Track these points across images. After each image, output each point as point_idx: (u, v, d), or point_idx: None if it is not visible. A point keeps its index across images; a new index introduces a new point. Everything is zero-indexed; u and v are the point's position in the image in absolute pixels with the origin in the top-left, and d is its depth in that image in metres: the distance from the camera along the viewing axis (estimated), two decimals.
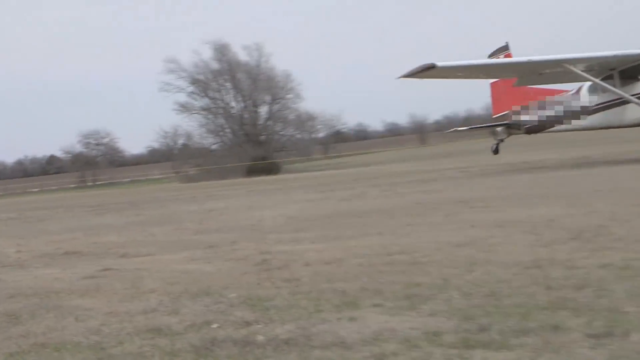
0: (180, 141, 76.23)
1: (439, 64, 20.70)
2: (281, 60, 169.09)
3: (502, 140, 27.20)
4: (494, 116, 28.17)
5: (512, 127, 26.34)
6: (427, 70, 20.81)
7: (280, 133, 70.28)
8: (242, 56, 67.89)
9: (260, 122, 69.18)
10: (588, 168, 22.15)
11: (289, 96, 68.01)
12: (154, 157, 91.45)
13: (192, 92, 68.67)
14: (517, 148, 37.42)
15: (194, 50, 70.21)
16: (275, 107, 68.73)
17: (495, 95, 27.90)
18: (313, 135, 73.54)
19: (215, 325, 5.50)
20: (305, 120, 70.11)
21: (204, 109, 68.96)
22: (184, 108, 68.49)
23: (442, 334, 4.58)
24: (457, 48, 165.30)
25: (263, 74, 67.76)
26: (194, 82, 68.16)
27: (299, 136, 70.82)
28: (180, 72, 67.51)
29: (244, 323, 5.49)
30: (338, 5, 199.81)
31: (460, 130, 37.89)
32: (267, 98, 68.48)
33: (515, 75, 23.63)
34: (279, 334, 5.00)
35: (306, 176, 45.37)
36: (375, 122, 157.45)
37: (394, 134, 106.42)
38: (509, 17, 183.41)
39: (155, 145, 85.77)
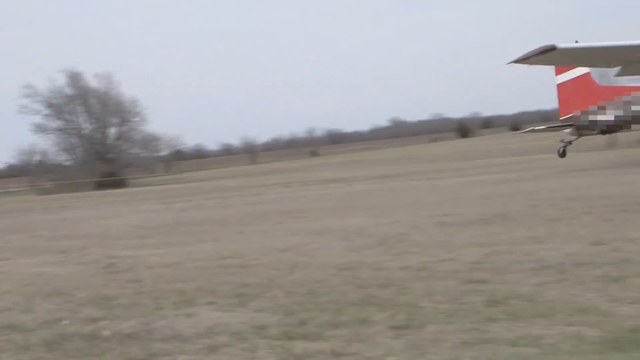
0: (37, 158, 79.63)
1: (561, 45, 17.98)
2: (133, 86, 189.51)
3: (570, 143, 24.85)
4: (562, 118, 25.83)
5: (586, 128, 24.00)
6: (545, 53, 18.01)
7: (128, 151, 75.49)
8: (94, 83, 73.85)
9: (110, 141, 74.78)
10: (393, 183, 24.95)
11: (135, 119, 74.03)
12: (12, 172, 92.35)
13: (48, 115, 73.28)
14: (334, 167, 40.95)
15: (50, 77, 76.35)
16: (123, 128, 74.82)
17: (563, 96, 25.49)
18: (157, 154, 79.22)
19: (65, 322, 5.83)
20: (150, 141, 75.98)
21: (58, 130, 74.07)
22: (40, 128, 73.15)
23: (267, 328, 5.08)
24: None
25: (112, 99, 74.13)
26: (50, 105, 73.11)
27: (144, 154, 76.37)
28: (37, 97, 72.16)
29: (91, 320, 5.83)
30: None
31: (537, 130, 31.59)
32: (116, 120, 74.73)
33: None
34: (123, 329, 5.39)
35: (150, 190, 46.59)
36: (211, 143, 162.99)
37: (228, 153, 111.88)
38: None
39: (14, 161, 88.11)
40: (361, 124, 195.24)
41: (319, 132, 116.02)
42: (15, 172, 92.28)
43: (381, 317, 5.08)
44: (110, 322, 5.66)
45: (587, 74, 23.77)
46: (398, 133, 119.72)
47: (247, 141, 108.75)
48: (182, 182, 53.50)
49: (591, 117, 23.32)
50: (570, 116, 24.48)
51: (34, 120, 73.11)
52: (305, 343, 4.62)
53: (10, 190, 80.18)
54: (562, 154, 24.91)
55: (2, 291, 7.79)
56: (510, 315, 4.88)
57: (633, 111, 21.63)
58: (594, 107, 23.05)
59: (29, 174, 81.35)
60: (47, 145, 75.19)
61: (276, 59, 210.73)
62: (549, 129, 28.94)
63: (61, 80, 73.50)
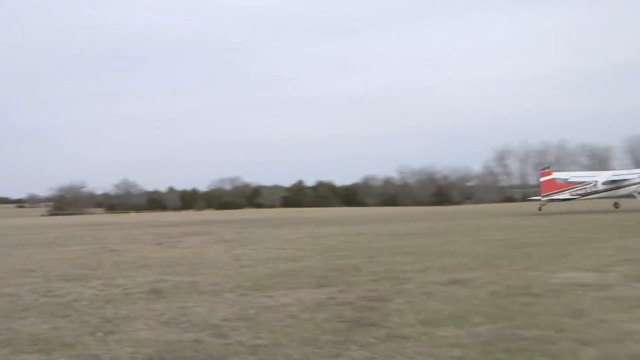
0: None
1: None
2: None
3: (544, 205, 44.63)
4: (542, 194, 44.50)
5: (551, 201, 44.57)
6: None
7: None
8: None
9: None
10: None
11: None
12: None
13: None
14: None
15: None
16: None
17: (544, 186, 44.54)
18: None
19: None
20: None
21: None
22: None
23: None
24: None
25: None
26: None
27: None
28: None
29: None
30: None
31: (533, 199, 49.43)
32: None
33: None
34: None
35: None
36: None
37: None
38: None
39: None
40: None
41: None
42: None
43: None
44: None
45: (554, 178, 45.55)
46: None
47: None
48: None
49: (554, 197, 44.66)
50: (547, 194, 44.37)
51: None
52: None
53: None
54: (540, 210, 44.52)
55: None
56: None
57: (570, 196, 44.56)
58: (556, 192, 44.62)
59: None
60: None
61: None
62: (538, 200, 46.30)
63: None
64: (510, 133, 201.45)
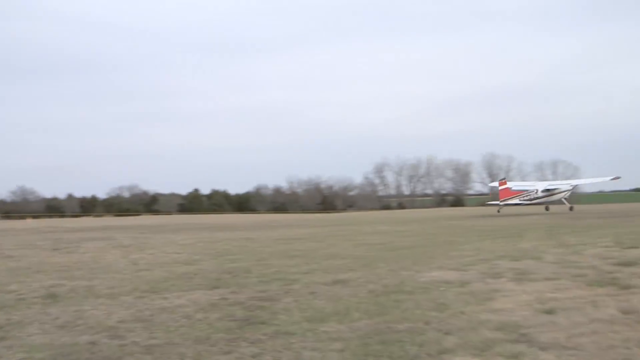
0: None
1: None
2: None
3: (501, 208, 49.31)
4: (501, 199, 49.09)
5: (505, 205, 48.98)
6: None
7: None
8: None
9: None
10: None
11: None
12: None
13: None
14: None
15: None
16: None
17: (501, 192, 49.23)
18: None
19: None
20: None
21: None
22: None
23: None
24: None
25: None
26: None
27: None
28: None
29: None
30: None
31: (492, 204, 53.14)
32: None
33: None
34: None
35: None
36: None
37: None
38: None
39: None
40: None
41: None
42: None
43: None
44: None
45: (508, 187, 50.20)
46: None
47: None
48: None
49: (508, 202, 49.16)
50: (503, 200, 48.94)
51: None
52: None
53: None
54: (498, 212, 48.95)
55: None
56: None
57: (519, 201, 49.41)
58: (510, 197, 49.25)
59: None
60: None
61: None
62: (496, 204, 50.49)
63: None
64: (387, 148, 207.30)
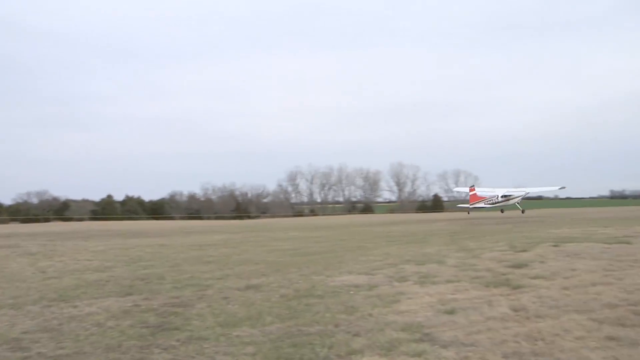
0: None
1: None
2: None
3: (470, 211, 55.16)
4: (471, 202, 54.50)
5: (475, 208, 54.58)
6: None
7: None
8: None
9: None
10: None
11: None
12: None
13: None
14: None
15: None
16: None
17: (471, 197, 54.66)
18: None
19: None
20: None
21: None
22: None
23: None
24: None
25: None
26: None
27: None
28: None
29: None
30: None
31: (463, 207, 60.08)
32: None
33: None
34: None
35: None
36: None
37: None
38: None
39: None
40: None
41: None
42: None
43: None
44: None
45: (475, 192, 55.04)
46: None
47: None
48: None
49: (476, 205, 54.32)
50: (473, 203, 54.12)
51: None
52: None
53: None
54: (468, 213, 54.99)
55: None
56: None
57: (484, 205, 54.06)
58: (477, 202, 54.19)
59: None
60: None
61: None
62: (467, 208, 56.31)
63: None
64: (300, 156, 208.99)
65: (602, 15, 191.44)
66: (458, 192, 68.37)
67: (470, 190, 55.77)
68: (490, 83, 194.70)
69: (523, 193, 55.68)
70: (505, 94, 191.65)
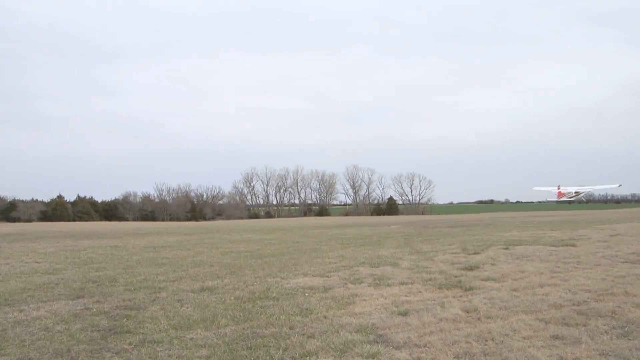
0: None
1: None
2: None
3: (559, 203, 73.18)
4: (559, 197, 66.39)
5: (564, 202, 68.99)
6: None
7: None
8: None
9: None
10: None
11: None
12: None
13: None
14: None
15: None
16: None
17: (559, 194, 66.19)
18: None
19: None
20: None
21: None
22: None
23: None
24: None
25: None
26: None
27: None
28: None
29: None
30: None
31: (560, 201, 73.32)
32: None
33: None
34: None
35: None
36: None
37: None
38: None
39: None
40: None
41: None
42: None
43: None
44: None
45: (560, 190, 68.89)
46: None
47: None
48: None
49: (563, 199, 68.71)
50: (561, 197, 67.80)
51: None
52: None
53: None
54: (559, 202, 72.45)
55: None
56: None
57: (567, 199, 74.23)
58: (562, 197, 71.11)
59: None
60: None
61: None
62: (559, 201, 68.95)
63: None
64: (256, 158, 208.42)
65: (548, 29, 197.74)
66: (538, 190, 78.79)
67: (558, 189, 69.41)
68: (442, 90, 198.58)
69: (588, 189, 71.13)
70: (457, 100, 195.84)
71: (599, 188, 76.23)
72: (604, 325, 7.41)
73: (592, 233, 25.12)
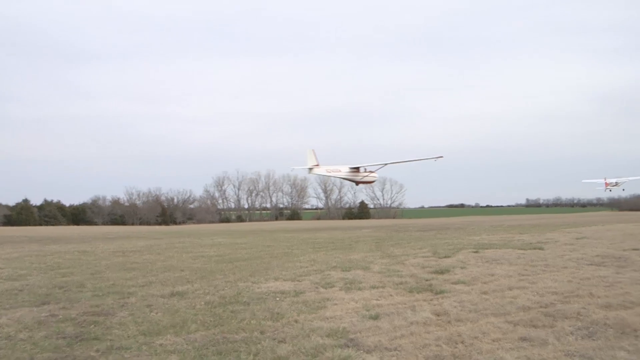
0: None
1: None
2: None
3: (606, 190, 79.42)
4: (606, 187, 77.29)
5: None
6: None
7: None
8: None
9: None
10: None
11: None
12: None
13: None
14: None
15: None
16: None
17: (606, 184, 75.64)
18: None
19: None
20: None
21: None
22: None
23: None
24: None
25: None
26: None
27: None
28: None
29: None
30: None
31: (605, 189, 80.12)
32: None
33: None
34: None
35: None
36: None
37: None
38: None
39: None
40: None
41: None
42: None
43: None
44: None
45: (606, 180, 77.28)
46: None
47: None
48: None
49: (608, 188, 76.80)
50: (607, 187, 78.35)
51: None
52: None
53: None
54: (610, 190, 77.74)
55: None
56: None
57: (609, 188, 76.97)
58: (607, 187, 78.18)
59: None
60: None
61: None
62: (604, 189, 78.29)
63: None
64: (227, 162, 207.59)
65: (517, 36, 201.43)
66: (587, 182, 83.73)
67: (605, 179, 77.22)
68: (414, 94, 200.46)
69: (624, 180, 77.82)
70: (430, 104, 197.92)
71: (633, 179, 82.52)
72: (570, 326, 7.56)
73: (559, 236, 25.58)
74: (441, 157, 46.80)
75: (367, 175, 50.35)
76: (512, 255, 16.83)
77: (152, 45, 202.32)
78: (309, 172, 47.48)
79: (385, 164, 50.06)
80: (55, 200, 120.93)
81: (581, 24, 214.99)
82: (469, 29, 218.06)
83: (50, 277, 14.32)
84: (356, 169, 49.98)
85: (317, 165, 47.08)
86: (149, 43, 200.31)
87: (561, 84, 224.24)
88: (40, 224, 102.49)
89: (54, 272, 15.31)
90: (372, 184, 57.82)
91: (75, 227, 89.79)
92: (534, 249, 18.79)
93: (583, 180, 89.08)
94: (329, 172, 49.42)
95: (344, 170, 49.30)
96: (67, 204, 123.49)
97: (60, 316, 8.96)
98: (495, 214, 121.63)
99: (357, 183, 52.66)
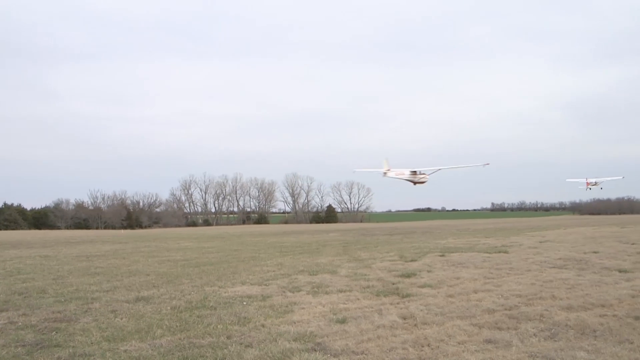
0: None
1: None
2: None
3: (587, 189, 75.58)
4: (587, 186, 73.61)
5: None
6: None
7: None
8: None
9: None
10: None
11: None
12: None
13: None
14: None
15: None
16: None
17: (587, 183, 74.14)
18: None
19: None
20: None
21: None
22: None
23: None
24: None
25: None
26: None
27: None
28: None
29: None
30: None
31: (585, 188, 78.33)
32: None
33: None
34: None
35: None
36: None
37: None
38: None
39: None
40: None
41: None
42: None
43: None
44: None
45: (587, 180, 73.88)
46: None
47: None
48: None
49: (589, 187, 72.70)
50: (589, 185, 72.89)
51: None
52: None
53: None
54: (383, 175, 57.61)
55: None
56: None
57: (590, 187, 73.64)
58: (589, 186, 73.27)
59: None
60: None
61: None
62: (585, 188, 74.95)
63: None
64: (194, 165, 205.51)
65: (485, 42, 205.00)
66: (571, 181, 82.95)
67: (586, 179, 76.33)
68: (382, 98, 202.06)
69: (602, 180, 76.90)
70: (397, 108, 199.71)
71: (610, 179, 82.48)
72: (533, 328, 7.71)
73: (523, 240, 26.09)
74: (488, 164, 52.34)
75: (422, 177, 54.85)
76: (478, 258, 17.10)
77: (118, 47, 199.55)
78: (384, 176, 51.88)
79: (439, 169, 54.57)
80: (15, 203, 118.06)
81: (547, 30, 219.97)
82: (437, 33, 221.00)
83: (10, 283, 13.95)
84: (414, 172, 54.69)
85: (389, 169, 51.76)
86: (115, 44, 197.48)
87: (528, 89, 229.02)
88: (0, 229, 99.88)
89: (13, 278, 14.92)
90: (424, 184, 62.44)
91: (37, 231, 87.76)
92: (499, 252, 19.12)
93: (567, 180, 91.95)
94: (397, 175, 53.59)
95: (406, 173, 53.97)
96: (29, 208, 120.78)
97: (20, 323, 8.74)
98: (461, 217, 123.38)
99: (415, 183, 55.90)
